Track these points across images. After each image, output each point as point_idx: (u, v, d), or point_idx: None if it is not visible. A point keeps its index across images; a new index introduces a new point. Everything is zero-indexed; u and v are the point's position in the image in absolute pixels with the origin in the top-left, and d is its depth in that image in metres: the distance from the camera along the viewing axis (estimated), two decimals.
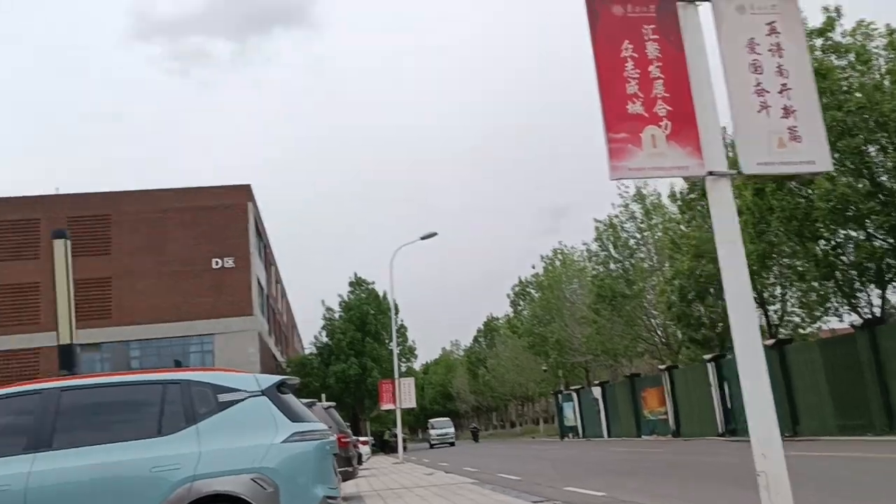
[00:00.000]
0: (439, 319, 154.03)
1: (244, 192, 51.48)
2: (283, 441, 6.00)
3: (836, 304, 23.69)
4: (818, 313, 24.35)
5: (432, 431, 59.44)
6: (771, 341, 24.83)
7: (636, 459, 20.37)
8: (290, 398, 6.56)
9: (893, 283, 21.36)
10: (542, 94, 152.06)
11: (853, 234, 20.58)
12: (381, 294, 58.65)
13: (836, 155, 19.72)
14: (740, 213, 23.60)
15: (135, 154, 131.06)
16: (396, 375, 33.81)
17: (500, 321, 75.87)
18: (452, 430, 59.55)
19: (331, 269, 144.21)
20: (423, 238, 35.13)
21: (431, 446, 56.02)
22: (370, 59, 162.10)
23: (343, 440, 14.20)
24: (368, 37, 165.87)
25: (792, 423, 23.37)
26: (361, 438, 29.46)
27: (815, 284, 23.95)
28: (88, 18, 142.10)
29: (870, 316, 21.80)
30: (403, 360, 59.11)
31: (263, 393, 6.25)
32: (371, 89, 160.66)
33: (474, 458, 30.75)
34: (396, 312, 61.08)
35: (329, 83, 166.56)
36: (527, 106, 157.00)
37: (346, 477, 14.33)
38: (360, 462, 23.37)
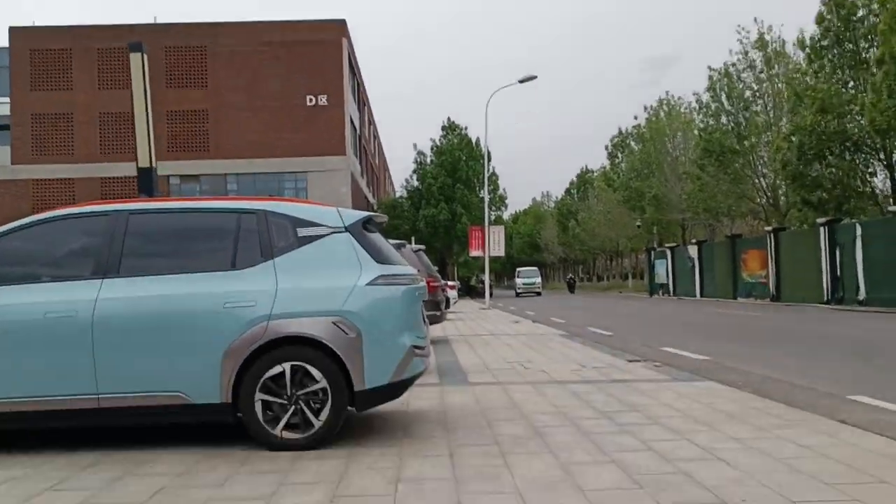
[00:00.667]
0: (533, 169, 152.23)
1: (339, 27, 50.14)
2: (368, 283, 5.31)
3: None
4: None
5: (518, 280, 59.12)
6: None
7: (737, 323, 19.40)
8: (378, 237, 5.81)
9: None
10: None
11: None
12: (473, 140, 57.41)
13: None
14: (882, 61, 21.05)
15: None
16: (486, 223, 33.27)
17: (596, 174, 73.80)
18: (539, 279, 59.10)
19: (426, 112, 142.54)
20: (521, 81, 33.48)
21: (517, 294, 55.74)
22: None
23: (432, 284, 13.73)
24: None
25: None
26: (450, 283, 29.38)
27: None
28: None
29: None
30: (494, 208, 58.54)
31: (347, 229, 5.51)
32: None
33: (561, 310, 30.44)
34: (489, 160, 60.03)
35: None
36: None
37: (434, 321, 13.97)
38: (447, 306, 23.33)
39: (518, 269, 64.72)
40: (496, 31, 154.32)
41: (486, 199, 33.34)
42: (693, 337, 15.05)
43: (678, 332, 16.89)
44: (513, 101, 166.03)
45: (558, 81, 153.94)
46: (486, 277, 33.31)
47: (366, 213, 5.79)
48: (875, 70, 23.43)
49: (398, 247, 15.03)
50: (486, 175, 33.81)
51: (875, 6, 26.20)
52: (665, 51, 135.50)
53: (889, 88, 20.31)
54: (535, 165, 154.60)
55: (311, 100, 48.60)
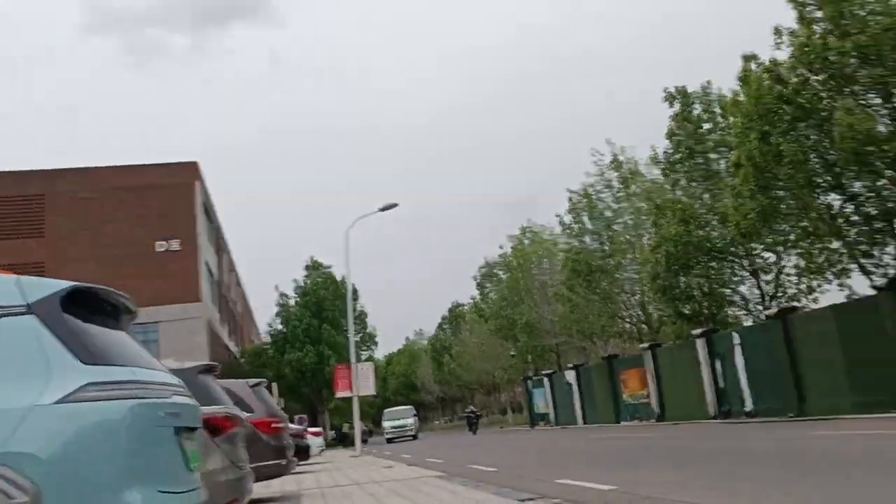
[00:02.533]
0: (403, 308, 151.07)
1: (191, 169, 48.13)
2: (61, 400, 2.92)
3: (843, 269, 21.10)
4: (828, 277, 21.73)
5: (386, 423, 51.41)
6: (773, 310, 22.25)
7: (629, 446, 17.54)
8: (95, 328, 3.44)
9: None
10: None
11: (877, 181, 17.92)
12: (339, 279, 55.40)
13: (857, 87, 17.08)
14: (739, 165, 20.97)
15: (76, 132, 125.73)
16: (353, 360, 30.68)
17: (466, 307, 72.97)
18: (413, 420, 51.55)
19: (288, 257, 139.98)
20: (381, 209, 32.10)
21: (388, 440, 48.52)
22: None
23: (273, 425, 11.13)
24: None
25: (798, 402, 20.75)
26: (312, 429, 26.36)
27: (819, 246, 21.39)
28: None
29: (884, 280, 19.14)
30: (364, 348, 55.97)
31: (32, 310, 3.15)
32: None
33: (440, 450, 27.86)
34: (354, 295, 57.91)
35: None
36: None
37: (277, 472, 11.25)
38: (307, 455, 20.34)
39: (385, 410, 56.08)
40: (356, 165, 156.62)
41: (352, 333, 30.87)
42: (588, 466, 12.98)
43: (569, 461, 14.79)
44: (377, 238, 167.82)
45: (422, 218, 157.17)
46: (356, 421, 30.28)
47: (71, 284, 3.43)
48: (731, 178, 23.54)
49: (257, 384, 12.33)
50: (350, 306, 31.46)
51: (719, 119, 26.93)
52: (520, 195, 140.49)
53: (750, 191, 20.05)
54: (405, 304, 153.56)
55: (161, 245, 45.73)
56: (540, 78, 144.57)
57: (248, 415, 10.87)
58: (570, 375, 38.46)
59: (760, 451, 12.21)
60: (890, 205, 17.75)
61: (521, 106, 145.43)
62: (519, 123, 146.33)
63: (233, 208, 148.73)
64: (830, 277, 22.68)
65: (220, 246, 54.98)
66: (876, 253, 19.86)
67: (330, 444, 55.99)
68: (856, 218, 18.96)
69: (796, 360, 20.96)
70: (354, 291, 58.84)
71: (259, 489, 13.22)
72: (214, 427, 5.94)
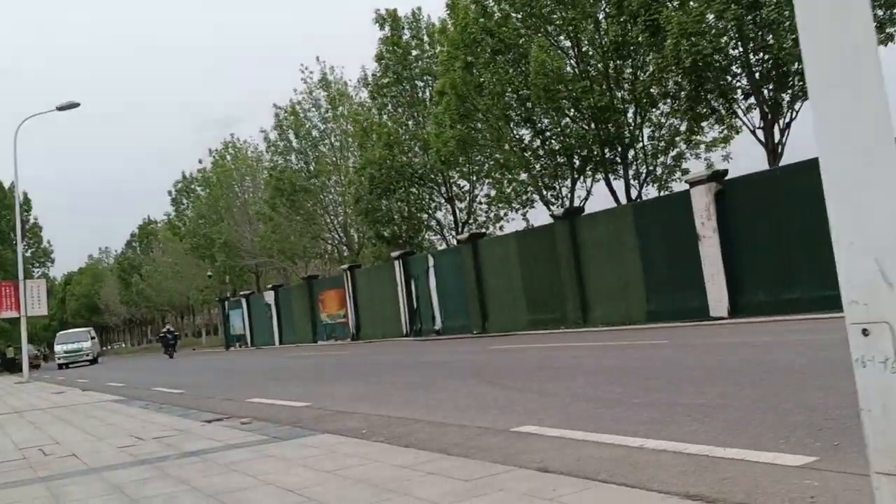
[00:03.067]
0: (88, 224, 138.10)
1: None
2: None
3: (528, 199, 22.84)
4: (514, 206, 23.38)
5: (58, 347, 44.56)
6: (464, 235, 23.52)
7: (324, 364, 17.60)
8: None
9: (591, 172, 20.81)
10: None
11: (563, 117, 19.41)
12: (7, 185, 48.69)
13: (551, 27, 18.18)
14: (443, 93, 21.51)
15: None
16: (21, 276, 27.26)
17: (160, 225, 68.35)
18: (90, 343, 44.87)
19: None
20: (59, 108, 28.38)
21: (60, 366, 42.39)
22: None
23: None
24: None
25: (482, 320, 22.35)
26: None
27: (509, 177, 22.90)
28: None
29: (562, 210, 21.06)
30: (36, 264, 50.16)
31: None
32: None
33: (123, 373, 25.97)
34: (27, 205, 51.32)
35: None
36: None
37: None
38: None
39: (59, 332, 48.93)
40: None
41: (20, 244, 27.28)
42: (282, 383, 12.71)
43: (263, 380, 14.42)
44: (59, 146, 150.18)
45: (109, 123, 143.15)
46: (24, 344, 27.04)
47: None
48: (434, 107, 24.17)
49: None
50: (18, 216, 27.66)
51: (427, 47, 27.43)
52: (224, 112, 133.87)
53: (451, 118, 20.71)
54: (90, 220, 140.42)
55: None
56: None
57: None
58: (269, 296, 37.88)
59: (439, 363, 12.81)
60: (571, 141, 19.36)
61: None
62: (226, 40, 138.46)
63: None
64: (517, 206, 24.43)
65: None
66: (556, 185, 21.72)
67: None
68: (542, 152, 20.46)
69: (482, 282, 22.48)
70: (26, 201, 52.25)
71: None
72: None
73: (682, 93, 17.69)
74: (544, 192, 22.47)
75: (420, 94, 27.52)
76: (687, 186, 15.97)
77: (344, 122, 33.31)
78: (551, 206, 21.38)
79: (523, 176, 22.33)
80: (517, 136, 20.24)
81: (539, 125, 19.94)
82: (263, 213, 36.24)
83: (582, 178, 21.32)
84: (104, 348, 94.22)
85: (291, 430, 6.18)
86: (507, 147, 20.65)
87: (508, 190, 23.54)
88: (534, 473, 3.61)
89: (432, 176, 26.76)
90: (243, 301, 41.47)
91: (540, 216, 24.29)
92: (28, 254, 50.62)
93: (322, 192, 33.93)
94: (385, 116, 27.64)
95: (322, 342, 32.25)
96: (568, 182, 21.98)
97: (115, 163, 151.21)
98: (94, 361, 44.06)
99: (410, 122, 27.43)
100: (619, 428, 4.67)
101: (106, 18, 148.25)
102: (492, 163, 22.82)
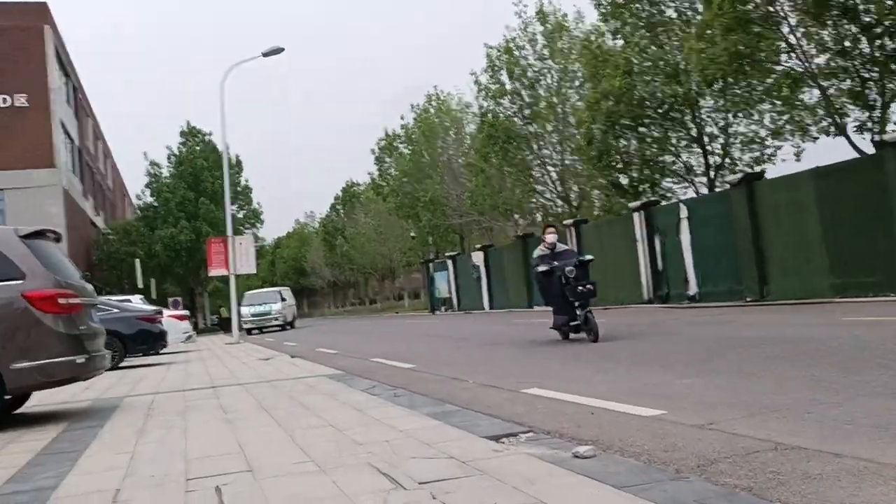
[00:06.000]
0: (294, 188, 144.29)
1: (39, 11, 40.51)
2: None
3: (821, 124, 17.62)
4: (812, 133, 18.24)
5: (245, 309, 36.48)
6: (736, 176, 18.77)
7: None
8: None
9: None
10: None
11: None
12: (220, 148, 49.27)
13: None
14: None
15: None
16: (229, 231, 25.91)
17: (362, 187, 67.91)
18: (279, 305, 38.52)
19: (166, 123, 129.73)
20: (265, 54, 26.63)
21: (248, 331, 35.92)
22: None
23: (64, 300, 6.66)
24: None
25: (759, 285, 17.65)
26: (172, 312, 21.73)
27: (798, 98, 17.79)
28: None
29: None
30: (247, 225, 50.64)
31: None
32: None
33: (334, 337, 23.91)
34: (238, 167, 51.82)
35: None
36: None
37: (70, 374, 6.79)
38: (162, 343, 15.84)
39: (246, 293, 41.34)
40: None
41: (227, 197, 25.86)
42: (549, 362, 9.15)
43: (517, 356, 11.00)
44: (266, 111, 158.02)
45: (313, 90, 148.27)
46: (233, 302, 25.75)
47: None
48: (684, 27, 19.56)
49: (35, 235, 7.30)
50: (226, 166, 26.23)
51: None
52: (416, 82, 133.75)
53: (724, 25, 16.04)
54: (296, 184, 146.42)
55: (4, 100, 38.80)
56: None
57: (16, 283, 6.27)
58: (478, 257, 34.92)
59: (777, 341, 8.59)
60: None
61: None
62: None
63: (97, 66, 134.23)
64: (814, 133, 19.14)
65: (81, 107, 47.55)
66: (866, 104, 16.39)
67: (210, 330, 51.29)
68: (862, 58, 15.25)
69: (760, 237, 17.74)
70: (238, 163, 52.91)
71: (45, 397, 8.69)
72: None
73: None
74: (839, 118, 17.26)
75: (665, 12, 22.79)
76: None
77: (563, 60, 29.20)
78: (869, 131, 16.10)
79: (811, 97, 17.16)
80: (836, 33, 15.17)
81: (866, 17, 14.77)
82: (474, 164, 33.02)
83: None
84: (309, 311, 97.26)
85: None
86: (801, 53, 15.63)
87: (785, 118, 18.42)
88: None
89: (679, 108, 22.06)
90: (449, 263, 38.93)
91: (821, 152, 18.98)
92: (240, 215, 51.23)
93: (538, 140, 30.13)
94: (622, 40, 23.20)
95: (538, 307, 28.73)
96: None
97: (318, 136, 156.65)
98: (288, 326, 38.94)
99: (652, 48, 22.81)
100: None
101: None
102: (772, 80, 17.78)
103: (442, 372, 8.73)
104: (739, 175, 18.21)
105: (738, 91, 19.81)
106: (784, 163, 21.83)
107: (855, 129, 16.84)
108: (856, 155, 17.25)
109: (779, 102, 19.80)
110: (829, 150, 18.99)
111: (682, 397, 5.46)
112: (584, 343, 10.57)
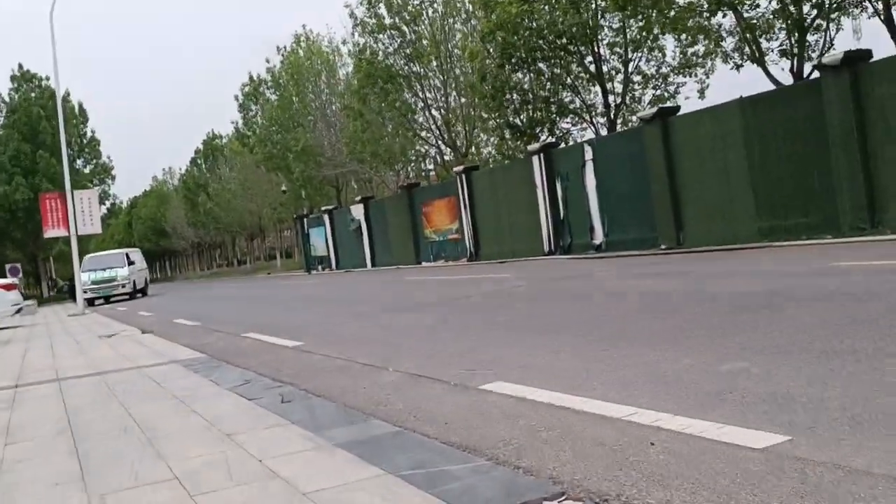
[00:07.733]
0: (150, 144, 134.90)
1: None
2: None
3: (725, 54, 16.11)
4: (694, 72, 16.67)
5: (85, 275, 28.42)
6: (650, 111, 17.04)
7: (514, 296, 11.80)
8: None
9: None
10: None
11: None
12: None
13: None
14: None
15: None
16: (68, 187, 22.17)
17: (225, 139, 63.00)
18: (125, 270, 32.16)
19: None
20: None
21: (88, 303, 27.31)
22: None
23: None
24: None
25: (675, 231, 16.16)
26: None
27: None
28: None
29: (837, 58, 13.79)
30: (95, 181, 45.44)
31: None
32: None
33: (196, 303, 20.94)
34: (82, 116, 46.32)
35: None
36: None
37: None
38: None
39: (86, 256, 33.27)
40: None
41: (64, 147, 22.09)
42: (489, 332, 6.96)
43: (434, 328, 8.74)
44: (110, 57, 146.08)
45: (165, 37, 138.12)
46: (76, 268, 22.09)
47: None
48: None
49: None
50: (60, 111, 22.35)
51: None
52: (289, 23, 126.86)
53: None
54: (151, 140, 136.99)
55: None
56: None
57: None
58: (358, 210, 32.23)
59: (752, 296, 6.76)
60: None
61: None
62: None
63: None
64: (698, 72, 17.72)
65: None
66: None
67: (57, 299, 46.09)
68: None
69: (675, 177, 16.19)
70: (82, 111, 47.38)
71: None
72: None
73: None
74: (753, 47, 15.82)
75: None
76: None
77: None
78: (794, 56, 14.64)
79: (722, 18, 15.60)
80: None
81: None
82: (352, 108, 30.06)
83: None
84: (172, 275, 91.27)
85: None
86: None
87: (706, 49, 16.89)
88: None
89: (580, 40, 20.12)
90: (325, 218, 35.96)
91: (725, 85, 17.63)
92: (86, 170, 45.95)
93: (421, 81, 27.63)
94: None
95: (427, 263, 26.59)
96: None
97: (174, 91, 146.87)
98: (139, 294, 33.55)
99: None
100: None
101: None
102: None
103: (344, 353, 6.33)
104: (653, 110, 16.46)
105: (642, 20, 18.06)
106: (688, 100, 20.48)
107: (779, 52, 15.38)
108: (772, 87, 15.87)
109: (684, 35, 18.24)
110: (734, 87, 17.77)
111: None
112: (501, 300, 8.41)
